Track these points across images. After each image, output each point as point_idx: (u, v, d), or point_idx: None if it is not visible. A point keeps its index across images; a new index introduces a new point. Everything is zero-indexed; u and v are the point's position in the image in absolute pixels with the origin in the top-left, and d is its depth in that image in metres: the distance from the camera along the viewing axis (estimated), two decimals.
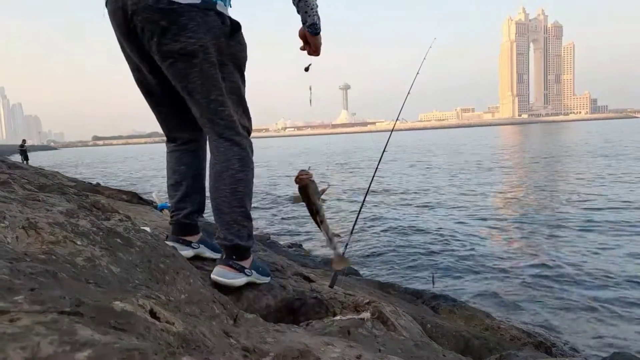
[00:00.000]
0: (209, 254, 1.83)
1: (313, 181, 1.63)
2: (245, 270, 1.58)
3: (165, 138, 1.81)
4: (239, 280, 1.56)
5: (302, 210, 9.60)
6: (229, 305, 1.02)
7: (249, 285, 1.62)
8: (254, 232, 1.79)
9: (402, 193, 10.83)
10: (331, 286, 1.85)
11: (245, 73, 1.68)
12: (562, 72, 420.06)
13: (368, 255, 5.61)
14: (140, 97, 1.71)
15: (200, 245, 1.83)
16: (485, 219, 7.46)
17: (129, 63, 1.64)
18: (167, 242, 1.64)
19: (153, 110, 1.74)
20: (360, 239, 6.28)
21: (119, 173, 23.23)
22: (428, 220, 7.53)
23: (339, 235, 1.79)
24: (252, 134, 1.76)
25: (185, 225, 1.79)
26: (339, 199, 10.18)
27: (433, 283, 4.25)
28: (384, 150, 2.49)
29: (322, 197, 1.65)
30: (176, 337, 0.57)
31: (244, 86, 1.65)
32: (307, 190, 1.61)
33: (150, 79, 1.61)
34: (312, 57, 1.64)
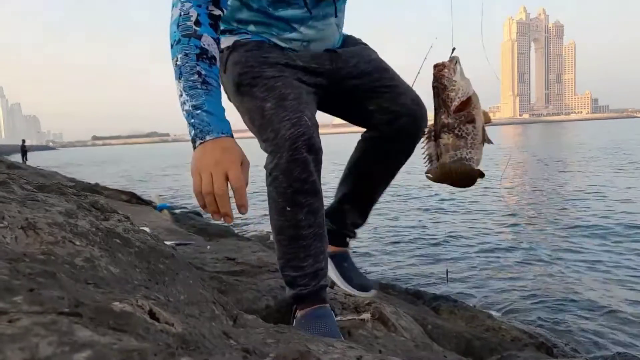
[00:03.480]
0: (333, 274, 1.51)
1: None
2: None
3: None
4: None
5: None
6: (229, 306, 1.02)
7: (249, 286, 1.61)
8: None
9: (403, 192, 10.83)
10: (331, 287, 1.84)
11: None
12: (563, 71, 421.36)
13: (368, 255, 5.61)
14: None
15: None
16: (487, 219, 7.46)
17: None
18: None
19: None
20: (361, 239, 6.28)
21: (119, 173, 23.23)
22: (429, 220, 7.53)
23: None
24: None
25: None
26: None
27: (447, 279, 4.24)
28: None
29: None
30: (175, 337, 0.56)
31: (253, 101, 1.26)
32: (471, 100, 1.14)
33: None
34: None
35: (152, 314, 0.61)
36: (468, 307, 2.62)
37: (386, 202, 9.57)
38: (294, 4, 1.30)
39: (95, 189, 6.61)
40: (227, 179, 0.96)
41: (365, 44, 1.53)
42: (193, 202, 10.17)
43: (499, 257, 5.25)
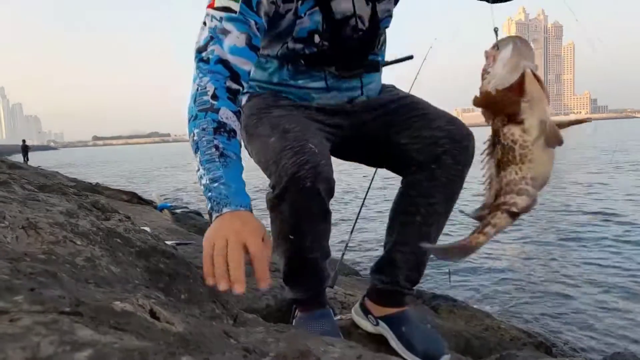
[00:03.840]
0: (393, 342, 1.33)
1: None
2: None
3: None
4: None
5: None
6: (229, 306, 1.02)
7: (249, 285, 1.61)
8: None
9: None
10: (331, 286, 1.85)
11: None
12: (562, 72, 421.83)
13: (369, 254, 5.61)
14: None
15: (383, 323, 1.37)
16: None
17: None
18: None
19: None
20: (361, 239, 6.28)
21: (120, 172, 23.24)
22: None
23: None
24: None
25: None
26: (339, 197, 10.17)
27: (450, 279, 4.27)
28: None
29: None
30: (176, 337, 0.57)
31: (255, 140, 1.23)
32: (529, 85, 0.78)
33: None
34: None
35: (152, 314, 0.61)
36: (467, 307, 2.62)
37: (388, 202, 9.56)
38: (315, 76, 1.25)
39: (96, 188, 6.61)
40: (246, 251, 0.87)
41: (394, 87, 1.43)
42: (194, 202, 10.17)
43: (498, 256, 5.25)
